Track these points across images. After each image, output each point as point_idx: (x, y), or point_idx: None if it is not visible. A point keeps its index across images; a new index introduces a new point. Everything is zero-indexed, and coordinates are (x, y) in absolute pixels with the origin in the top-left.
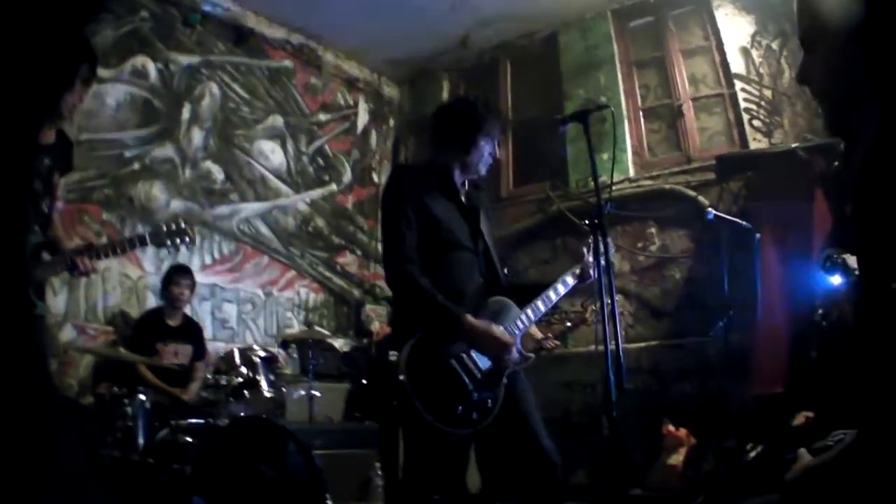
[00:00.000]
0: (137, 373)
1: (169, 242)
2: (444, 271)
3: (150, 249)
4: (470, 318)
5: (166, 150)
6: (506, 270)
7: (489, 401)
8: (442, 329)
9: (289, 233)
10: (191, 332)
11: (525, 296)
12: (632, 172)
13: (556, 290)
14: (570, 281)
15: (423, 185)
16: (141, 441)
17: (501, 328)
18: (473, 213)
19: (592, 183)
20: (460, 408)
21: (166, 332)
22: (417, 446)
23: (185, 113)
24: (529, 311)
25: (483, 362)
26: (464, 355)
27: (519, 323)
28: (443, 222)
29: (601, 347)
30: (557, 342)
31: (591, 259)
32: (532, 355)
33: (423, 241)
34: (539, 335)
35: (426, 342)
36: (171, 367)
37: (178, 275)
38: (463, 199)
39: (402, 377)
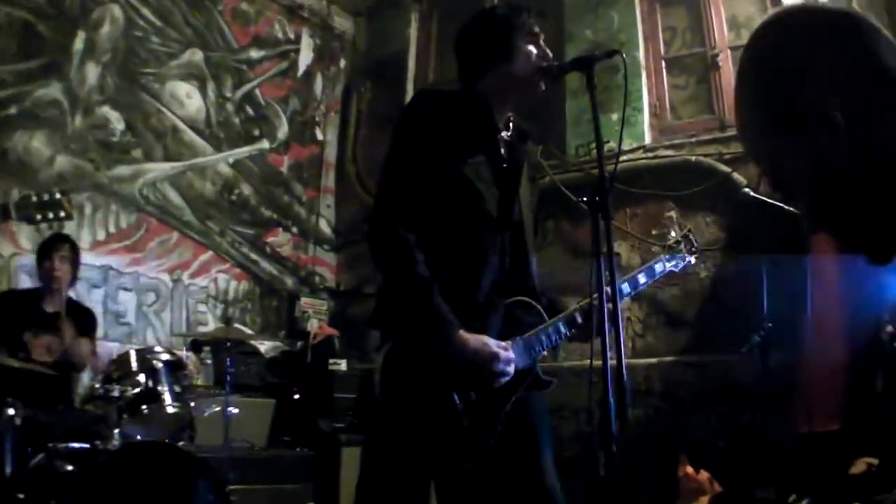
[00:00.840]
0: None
1: (39, 218)
2: (454, 249)
3: None
4: (463, 335)
5: (52, 91)
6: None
7: (482, 432)
8: (425, 336)
9: (206, 202)
10: (77, 321)
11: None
12: (648, 139)
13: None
14: (643, 279)
15: (451, 121)
16: (8, 470)
17: (504, 346)
18: (512, 171)
19: (596, 150)
20: (446, 437)
21: (39, 319)
22: (380, 480)
23: (78, 42)
24: (562, 326)
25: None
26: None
27: (544, 338)
28: (468, 178)
29: (599, 362)
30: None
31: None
32: (554, 380)
33: (436, 200)
34: None
35: (407, 345)
36: (44, 370)
37: (54, 245)
38: (502, 150)
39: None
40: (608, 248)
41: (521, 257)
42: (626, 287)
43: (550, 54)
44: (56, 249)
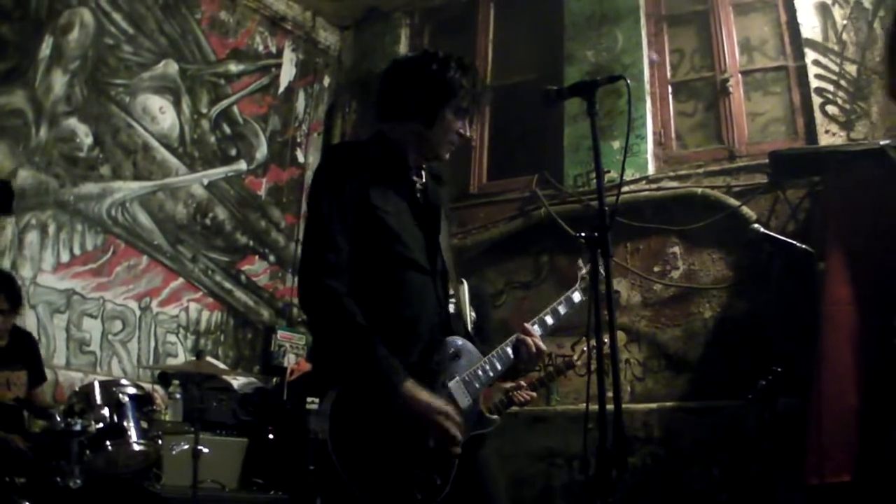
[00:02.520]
0: None
1: None
2: (389, 297)
3: None
4: (411, 387)
5: (15, 99)
6: (465, 294)
7: (437, 478)
8: (371, 387)
9: (177, 225)
10: (23, 349)
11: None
12: (651, 169)
13: (533, 328)
14: (562, 310)
15: (367, 171)
16: None
17: (447, 408)
18: (432, 215)
19: (596, 181)
20: (398, 485)
21: None
22: None
23: (45, 48)
24: (496, 360)
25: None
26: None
27: (481, 373)
28: (392, 227)
29: (595, 406)
30: (533, 394)
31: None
32: (496, 417)
33: (363, 251)
34: (507, 384)
35: (352, 394)
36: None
37: None
38: (419, 194)
39: (321, 436)
40: (607, 288)
41: (448, 297)
42: (537, 328)
43: (470, 136)
44: None
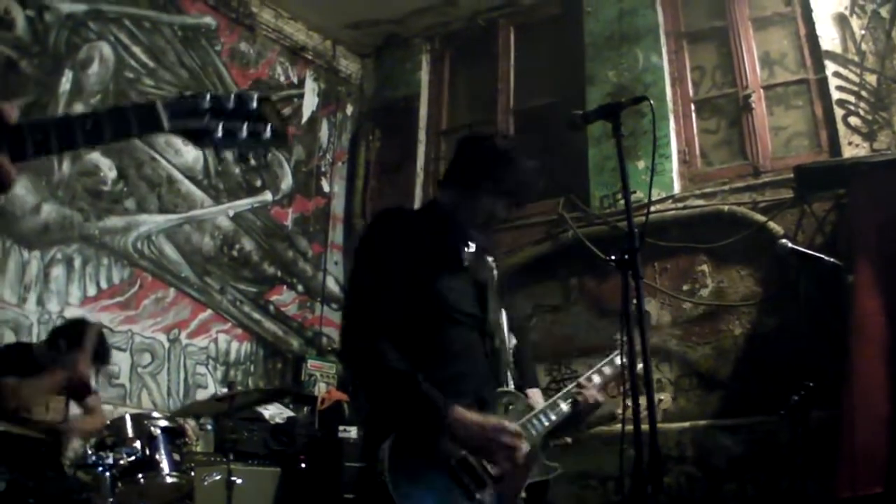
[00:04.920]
0: None
1: None
2: (436, 355)
3: (12, 272)
4: (460, 409)
5: None
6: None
7: None
8: (422, 425)
9: (204, 257)
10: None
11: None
12: (677, 188)
13: (588, 381)
14: (618, 361)
15: (415, 236)
16: None
17: (502, 422)
18: (482, 278)
19: (623, 201)
20: None
21: (33, 374)
22: None
23: (66, 82)
24: (550, 412)
25: (493, 468)
26: (469, 457)
27: (536, 422)
28: (441, 287)
29: (629, 427)
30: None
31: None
32: (556, 465)
33: (409, 312)
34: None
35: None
36: (34, 435)
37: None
38: (466, 260)
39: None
40: (639, 309)
41: (503, 357)
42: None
43: (501, 218)
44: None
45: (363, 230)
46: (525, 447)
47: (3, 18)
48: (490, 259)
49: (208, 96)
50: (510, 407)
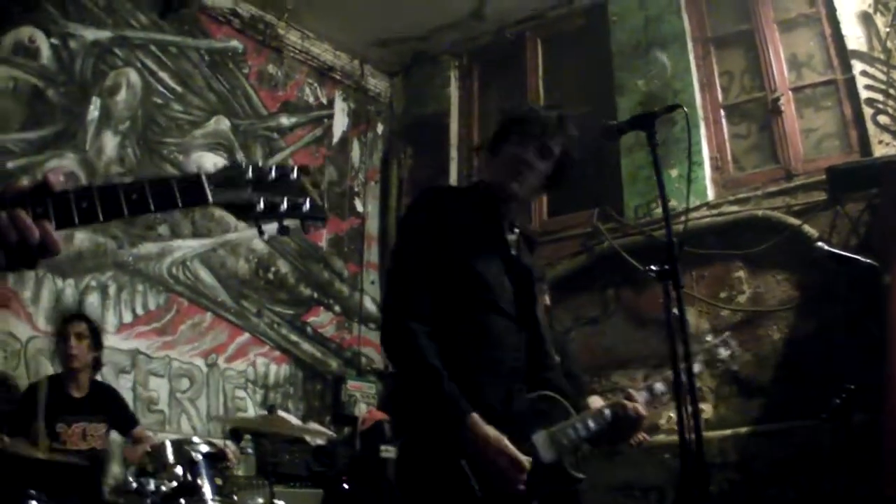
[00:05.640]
0: (25, 466)
1: None
2: (472, 338)
3: (46, 301)
4: (479, 420)
5: (66, 162)
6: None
7: None
8: (438, 422)
9: (240, 280)
10: (103, 401)
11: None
12: (711, 194)
13: (637, 394)
14: (660, 387)
15: (457, 217)
16: None
17: (510, 449)
18: (522, 268)
19: (660, 210)
20: None
21: (68, 406)
22: None
23: (93, 110)
24: (590, 420)
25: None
26: (465, 467)
27: (571, 431)
28: (479, 272)
29: (667, 437)
30: (646, 436)
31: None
32: (582, 476)
33: (449, 294)
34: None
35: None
36: (74, 462)
37: (69, 323)
38: (511, 248)
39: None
40: (681, 320)
41: (542, 357)
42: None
43: (532, 161)
44: (72, 327)
45: (406, 208)
46: (521, 481)
47: (27, 47)
48: (530, 245)
49: (250, 167)
50: (546, 410)
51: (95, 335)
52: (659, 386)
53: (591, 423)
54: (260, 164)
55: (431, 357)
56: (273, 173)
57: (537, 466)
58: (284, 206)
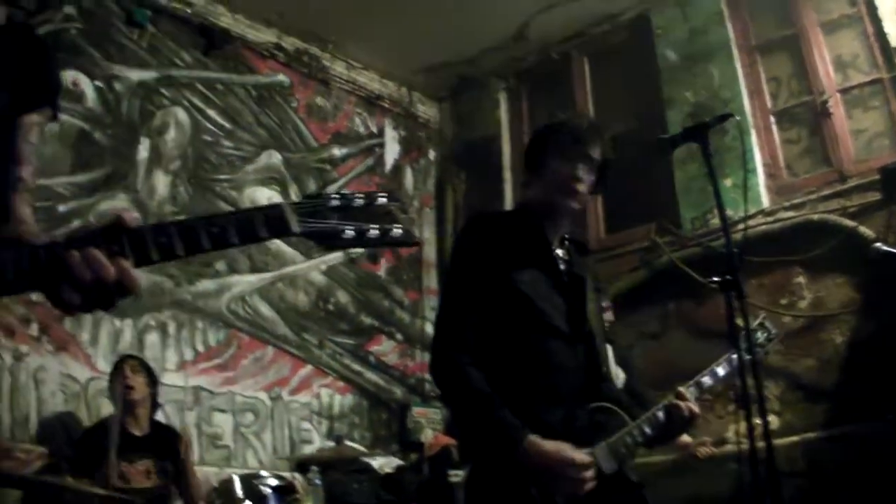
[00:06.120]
0: None
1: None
2: (528, 364)
3: (105, 343)
4: (533, 441)
5: (119, 202)
6: (610, 359)
7: None
8: (495, 448)
9: (300, 313)
10: (165, 440)
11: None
12: (766, 201)
13: (688, 390)
14: (721, 371)
15: (504, 241)
16: None
17: (573, 455)
18: (575, 283)
19: (718, 220)
20: None
21: (130, 445)
22: None
23: (142, 150)
24: (645, 425)
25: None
26: (533, 491)
27: (628, 439)
28: (529, 296)
29: (732, 446)
30: (712, 448)
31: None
32: (642, 484)
33: (501, 321)
34: (687, 439)
35: (485, 463)
36: (139, 501)
37: (123, 361)
38: (561, 264)
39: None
40: (745, 329)
41: (597, 368)
42: (692, 391)
43: (584, 177)
44: (126, 365)
45: (455, 237)
46: (591, 480)
47: (71, 91)
48: (587, 259)
49: (337, 196)
50: (604, 422)
51: (149, 371)
52: (706, 380)
53: (647, 428)
54: (345, 191)
55: (479, 385)
56: (359, 200)
57: (600, 478)
58: (373, 232)
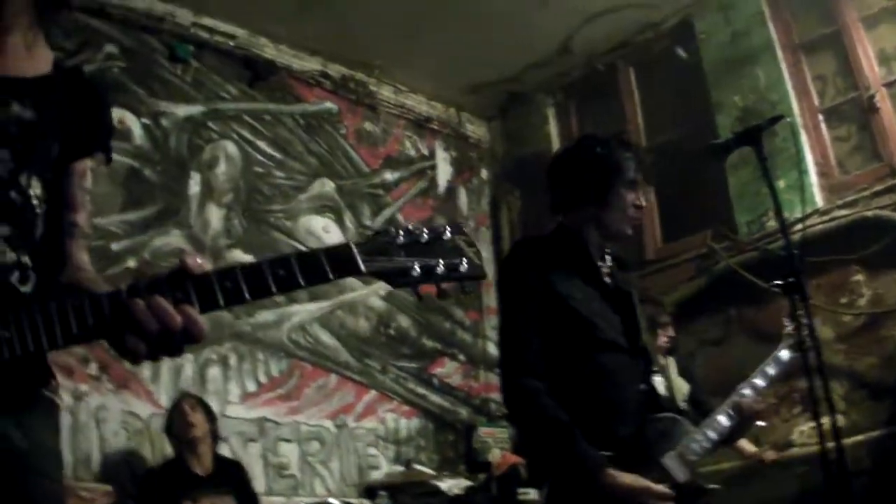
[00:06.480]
0: None
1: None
2: (591, 381)
3: (166, 378)
4: (610, 473)
5: (172, 238)
6: (673, 371)
7: None
8: (574, 479)
9: (361, 339)
10: (229, 476)
11: (699, 406)
12: (820, 201)
13: (744, 392)
14: (771, 371)
15: (550, 263)
16: None
17: (652, 485)
18: (623, 297)
19: (773, 223)
20: None
21: (193, 483)
22: None
23: (193, 185)
24: (710, 430)
25: None
26: None
27: (695, 445)
28: (583, 313)
29: (801, 449)
30: (777, 454)
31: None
32: (717, 486)
33: (559, 340)
34: (750, 448)
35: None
36: None
37: (180, 400)
38: (607, 279)
39: None
40: (810, 331)
41: (651, 375)
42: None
43: (645, 204)
44: (185, 403)
45: (499, 268)
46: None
47: (118, 129)
48: (628, 275)
49: (402, 232)
50: (670, 432)
51: (207, 408)
52: (759, 381)
53: (712, 433)
54: (410, 227)
55: (555, 413)
56: (425, 235)
57: (675, 488)
58: (441, 268)
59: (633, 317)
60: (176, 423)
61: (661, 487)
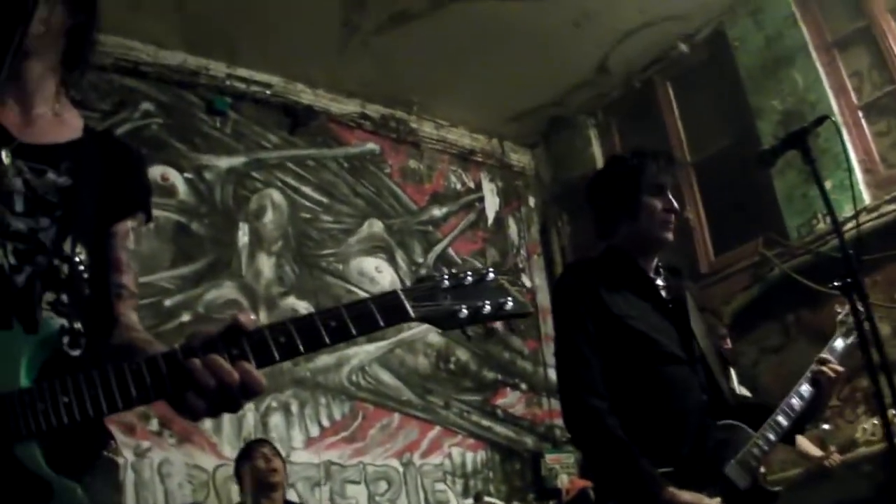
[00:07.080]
0: None
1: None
2: (653, 396)
3: (228, 429)
4: (670, 494)
5: (225, 290)
6: (734, 381)
7: None
8: (635, 498)
9: (422, 376)
10: None
11: (759, 412)
12: (867, 198)
13: (800, 395)
14: (804, 390)
15: (602, 283)
16: None
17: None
18: (678, 308)
19: (823, 225)
20: None
21: None
22: None
23: (242, 235)
24: (769, 433)
25: None
26: None
27: (755, 450)
28: (640, 329)
29: (867, 448)
30: (839, 457)
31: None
32: (779, 488)
33: (618, 359)
34: (815, 451)
35: None
36: None
37: (257, 444)
38: (662, 292)
39: None
40: (872, 331)
41: (713, 383)
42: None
43: (676, 205)
44: (265, 448)
45: (552, 292)
46: None
47: (161, 185)
48: (683, 282)
49: (447, 277)
50: (730, 440)
51: (279, 454)
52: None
53: (772, 435)
54: (454, 271)
55: (618, 433)
56: (469, 278)
57: (738, 497)
58: (487, 309)
59: (687, 325)
60: (258, 467)
61: (716, 502)
